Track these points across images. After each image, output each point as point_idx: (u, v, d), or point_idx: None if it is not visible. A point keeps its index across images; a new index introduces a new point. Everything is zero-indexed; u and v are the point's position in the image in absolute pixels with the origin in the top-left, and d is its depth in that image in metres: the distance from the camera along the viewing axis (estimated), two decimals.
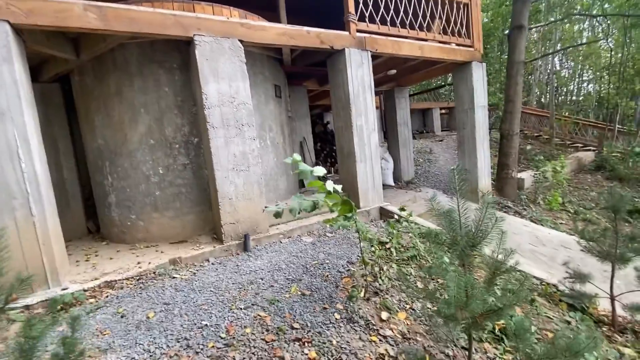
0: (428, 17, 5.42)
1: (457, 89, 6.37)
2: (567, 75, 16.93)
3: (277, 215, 2.36)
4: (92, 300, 2.66)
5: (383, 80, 7.46)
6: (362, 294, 2.65)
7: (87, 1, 2.85)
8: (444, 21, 5.77)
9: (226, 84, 3.50)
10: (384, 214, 4.74)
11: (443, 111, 15.54)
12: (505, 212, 6.34)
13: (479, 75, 6.11)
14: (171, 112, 3.71)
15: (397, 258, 3.26)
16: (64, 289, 2.70)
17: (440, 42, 5.64)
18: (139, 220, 3.86)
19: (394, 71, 6.29)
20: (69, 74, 4.06)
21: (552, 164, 7.74)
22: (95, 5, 2.88)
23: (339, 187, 2.53)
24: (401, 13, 5.05)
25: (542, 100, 16.86)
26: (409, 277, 2.99)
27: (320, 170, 2.32)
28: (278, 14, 5.67)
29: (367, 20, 4.70)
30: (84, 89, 3.87)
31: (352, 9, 4.50)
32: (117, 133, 3.75)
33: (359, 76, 4.55)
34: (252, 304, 2.51)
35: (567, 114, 13.37)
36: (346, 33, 4.48)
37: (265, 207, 3.78)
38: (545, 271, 3.75)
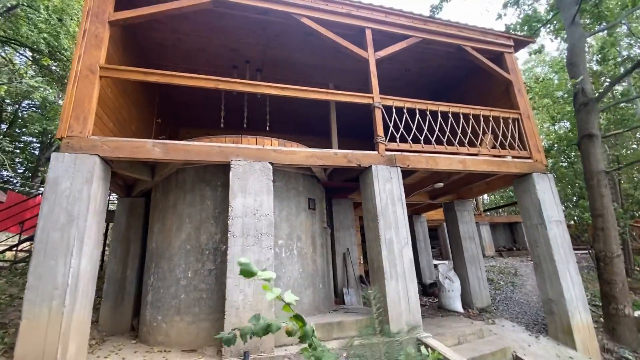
0: (469, 133, 5.45)
1: (521, 202, 5.71)
2: None
3: (227, 342, 2.20)
4: None
5: (438, 192, 7.22)
6: None
7: (154, 140, 3.88)
8: (496, 135, 5.69)
9: (252, 198, 3.95)
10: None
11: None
12: None
13: (544, 186, 5.44)
14: (208, 222, 4.25)
15: None
16: None
17: (492, 155, 5.45)
18: (162, 323, 4.06)
19: (441, 184, 6.10)
20: (151, 191, 5.21)
21: None
22: (161, 142, 3.89)
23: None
24: (436, 131, 5.24)
25: None
26: None
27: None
28: (330, 139, 6.55)
29: (397, 140, 5.00)
30: (155, 203, 4.85)
31: (380, 132, 4.90)
32: (165, 238, 4.40)
33: (387, 189, 4.57)
34: None
35: None
36: (374, 152, 4.78)
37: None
38: None
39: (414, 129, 5.11)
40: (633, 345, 4.89)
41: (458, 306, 6.67)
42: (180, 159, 3.98)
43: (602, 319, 5.59)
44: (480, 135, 5.52)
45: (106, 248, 7.69)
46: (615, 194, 9.31)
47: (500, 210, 15.99)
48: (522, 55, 25.89)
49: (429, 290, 8.10)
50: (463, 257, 7.13)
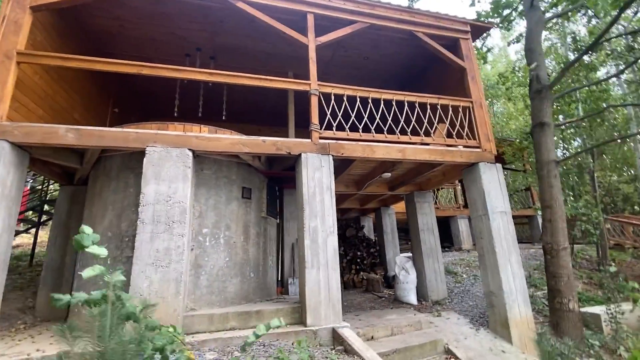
0: (425, 123, 5.31)
1: (469, 193, 5.56)
2: None
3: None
4: None
5: (396, 183, 7.09)
6: None
7: (68, 125, 3.85)
8: (453, 124, 5.53)
9: (166, 185, 3.90)
10: (337, 339, 3.84)
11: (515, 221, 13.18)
12: None
13: (490, 177, 5.29)
14: (129, 209, 4.22)
15: None
16: None
17: (444, 145, 5.31)
18: (83, 309, 4.07)
19: (388, 174, 5.97)
20: None
21: None
22: (74, 128, 3.85)
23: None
24: (377, 120, 5.11)
25: None
26: None
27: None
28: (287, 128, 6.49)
29: (334, 128, 4.88)
30: (87, 190, 4.85)
31: (315, 120, 4.79)
32: (91, 226, 4.38)
33: (316, 178, 4.49)
34: None
35: None
36: (307, 140, 4.68)
37: None
38: None
39: (352, 117, 4.99)
40: (576, 340, 4.74)
41: (412, 298, 6.58)
42: (95, 145, 3.95)
43: (538, 314, 5.45)
44: (436, 124, 5.38)
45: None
46: (592, 184, 9.04)
47: None
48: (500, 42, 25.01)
49: (391, 283, 8.01)
50: (421, 250, 7.02)
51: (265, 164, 5.39)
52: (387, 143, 5.07)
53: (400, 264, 7.07)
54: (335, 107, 4.95)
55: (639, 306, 5.49)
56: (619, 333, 4.75)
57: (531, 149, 8.30)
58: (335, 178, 6.35)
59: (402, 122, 5.23)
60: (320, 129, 4.84)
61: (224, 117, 7.03)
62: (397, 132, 5.16)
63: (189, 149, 4.15)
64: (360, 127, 5.01)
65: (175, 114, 6.73)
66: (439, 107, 5.51)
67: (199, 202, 4.42)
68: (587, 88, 6.03)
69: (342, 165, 5.68)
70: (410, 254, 7.73)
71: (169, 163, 3.99)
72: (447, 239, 12.15)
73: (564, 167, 8.27)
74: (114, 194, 4.34)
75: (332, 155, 4.70)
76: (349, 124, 4.94)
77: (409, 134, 5.22)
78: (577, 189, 8.85)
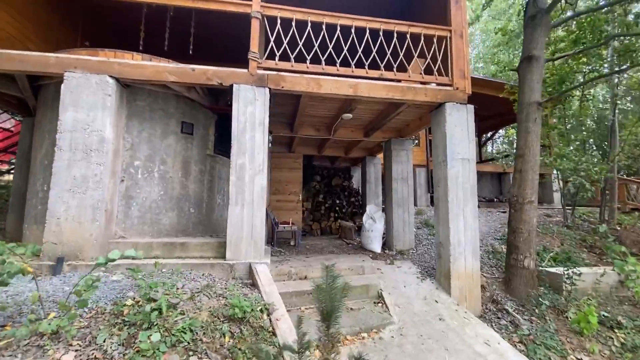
0: (374, 53, 4.67)
1: (434, 137, 5.01)
2: None
3: None
4: None
5: (370, 128, 6.58)
6: None
7: None
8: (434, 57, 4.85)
9: (84, 113, 3.80)
10: (252, 274, 3.82)
11: None
12: (488, 316, 4.15)
13: (458, 119, 4.69)
14: None
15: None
16: None
17: (417, 82, 4.71)
18: (26, 230, 4.34)
19: (349, 115, 5.48)
20: None
21: (630, 263, 4.75)
22: None
23: None
24: (330, 49, 4.54)
25: None
26: None
27: None
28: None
29: (276, 57, 4.42)
30: (35, 119, 4.90)
31: (255, 47, 4.33)
32: (34, 154, 4.51)
33: (248, 112, 4.17)
34: None
35: None
36: (243, 70, 4.29)
37: None
38: None
39: (300, 45, 4.46)
40: (522, 297, 4.44)
41: (375, 247, 6.45)
42: (17, 70, 3.87)
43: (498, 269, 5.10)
44: (401, 55, 4.72)
45: None
46: (610, 140, 7.92)
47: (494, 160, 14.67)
48: None
49: None
50: (392, 199, 6.70)
51: (210, 98, 5.11)
52: (340, 77, 4.55)
53: (370, 213, 6.85)
54: (282, 33, 4.43)
55: (615, 271, 4.99)
56: (572, 295, 4.35)
57: None
58: (294, 118, 6.04)
59: (359, 53, 4.62)
60: (262, 58, 4.41)
61: (190, 52, 6.65)
62: (353, 64, 4.60)
63: (111, 76, 3.95)
64: (309, 59, 4.50)
65: (140, 48, 6.45)
66: (408, 36, 4.79)
67: (131, 134, 4.33)
68: (590, 14, 4.84)
69: (297, 103, 5.27)
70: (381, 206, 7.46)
71: (87, 90, 3.84)
72: (502, 193, 11.81)
73: (574, 116, 7.22)
74: (49, 122, 4.34)
75: (271, 89, 4.31)
76: (294, 54, 4.45)
77: (366, 67, 4.63)
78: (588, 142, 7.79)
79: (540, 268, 5.17)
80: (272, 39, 4.43)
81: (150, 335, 2.25)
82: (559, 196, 11.14)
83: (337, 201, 8.90)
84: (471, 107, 4.77)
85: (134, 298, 2.76)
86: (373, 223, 6.58)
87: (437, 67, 4.83)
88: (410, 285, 4.71)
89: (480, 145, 16.70)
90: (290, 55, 4.45)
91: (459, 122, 4.68)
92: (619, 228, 7.80)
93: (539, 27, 4.56)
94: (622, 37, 4.93)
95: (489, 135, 16.40)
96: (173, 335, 2.38)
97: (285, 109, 5.72)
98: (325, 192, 9.53)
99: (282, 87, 4.35)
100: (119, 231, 4.16)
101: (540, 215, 9.06)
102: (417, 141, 10.71)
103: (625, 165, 13.83)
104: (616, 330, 3.82)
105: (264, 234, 4.08)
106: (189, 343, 2.36)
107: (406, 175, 6.80)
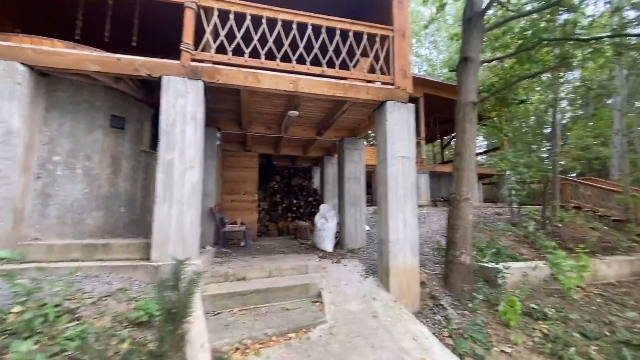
0: (316, 49, 4.62)
1: (376, 135, 5.03)
2: None
3: None
4: None
5: (321, 127, 6.54)
6: None
7: None
8: (371, 57, 4.86)
9: None
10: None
11: (486, 180, 12.75)
12: (425, 312, 4.20)
13: (398, 117, 4.73)
14: None
15: None
16: None
17: (362, 80, 4.69)
18: None
19: (294, 112, 5.41)
20: None
21: (558, 257, 5.00)
22: None
23: None
24: (270, 43, 4.44)
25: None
26: None
27: None
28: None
29: (213, 50, 4.26)
30: None
31: (188, 38, 4.14)
32: None
33: (178, 106, 3.97)
34: None
35: None
36: (174, 62, 4.08)
37: None
38: None
39: (238, 38, 4.32)
40: (460, 293, 4.53)
41: (327, 246, 6.40)
42: None
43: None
44: (344, 53, 4.69)
45: None
46: (553, 140, 8.38)
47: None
48: None
49: None
50: (344, 198, 6.69)
51: (144, 91, 4.85)
52: (280, 72, 4.45)
53: (323, 212, 6.80)
54: (219, 25, 4.28)
55: (547, 266, 5.23)
56: (504, 288, 4.51)
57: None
58: (238, 114, 5.87)
59: (301, 49, 4.55)
60: (198, 50, 4.23)
61: (134, 44, 6.31)
62: (294, 60, 4.52)
63: (23, 63, 3.62)
64: (247, 53, 4.37)
65: (76, 37, 6.04)
66: (351, 34, 4.78)
67: (50, 126, 3.99)
68: (526, 18, 5.12)
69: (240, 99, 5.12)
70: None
71: None
72: None
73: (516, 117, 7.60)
74: None
75: (205, 82, 4.14)
76: (232, 47, 4.30)
77: (307, 63, 4.57)
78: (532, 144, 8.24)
79: (481, 263, 5.33)
80: (208, 31, 4.27)
81: (25, 344, 2.02)
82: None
83: (295, 201, 8.80)
84: (412, 106, 4.84)
85: (25, 304, 2.50)
86: (325, 222, 6.53)
87: (379, 66, 4.87)
88: (352, 283, 4.68)
89: (443, 147, 17.28)
90: (228, 48, 4.30)
91: (399, 121, 4.72)
92: (560, 225, 8.27)
93: (474, 30, 4.71)
94: (556, 43, 5.20)
95: (451, 136, 16.96)
96: (58, 344, 2.16)
97: (230, 105, 5.55)
98: (286, 192, 9.40)
99: (218, 81, 4.19)
100: (32, 232, 3.81)
101: (491, 214, 9.44)
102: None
103: (573, 167, 14.82)
104: (540, 322, 3.98)
105: (196, 233, 3.89)
106: (74, 351, 2.15)
107: (358, 174, 6.82)
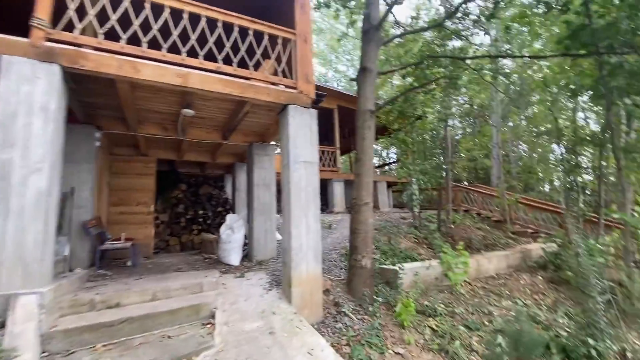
0: (211, 43, 4.23)
1: (280, 139, 4.83)
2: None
3: None
4: None
5: (227, 130, 6.10)
6: None
7: None
8: (273, 59, 4.65)
9: None
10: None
11: (394, 188, 13.80)
12: (328, 321, 4.06)
13: (301, 122, 4.61)
14: None
15: None
16: None
17: (265, 81, 4.40)
18: None
19: (189, 111, 4.91)
20: None
21: (446, 255, 5.47)
22: None
23: None
24: (155, 31, 3.90)
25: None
26: None
27: None
28: None
29: (77, 31, 3.54)
30: None
31: (43, 13, 3.36)
32: None
33: (22, 92, 3.16)
34: None
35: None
36: (21, 39, 3.26)
37: None
38: None
39: (113, 20, 3.68)
40: (362, 298, 4.54)
41: (233, 259, 5.90)
42: None
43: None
44: (243, 51, 4.38)
45: None
46: (445, 151, 9.41)
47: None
48: None
49: None
50: (253, 206, 6.32)
51: None
52: (168, 64, 3.93)
53: (229, 222, 6.30)
54: (88, 2, 3.60)
55: (441, 265, 5.64)
56: (400, 288, 4.70)
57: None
58: (123, 111, 5.10)
59: (193, 41, 4.12)
60: (55, 28, 3.46)
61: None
62: (184, 52, 4.06)
63: None
64: (125, 38, 3.76)
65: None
66: (251, 32, 4.54)
67: None
68: (423, 41, 5.71)
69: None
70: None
71: None
72: (326, 202, 12.10)
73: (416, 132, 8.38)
74: None
75: (65, 67, 3.39)
76: (105, 29, 3.65)
77: (200, 57, 4.15)
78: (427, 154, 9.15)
79: (383, 266, 5.50)
80: (71, 7, 3.54)
81: None
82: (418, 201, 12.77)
83: (201, 211, 8.05)
84: (314, 111, 4.79)
85: None
86: (231, 233, 6.04)
87: (281, 68, 4.72)
88: (252, 298, 4.31)
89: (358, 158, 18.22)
90: (99, 30, 3.64)
91: (302, 126, 4.62)
92: (452, 226, 9.25)
93: (371, 42, 4.93)
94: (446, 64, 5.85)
95: None
96: None
97: (110, 100, 4.73)
98: (193, 202, 8.56)
99: (83, 67, 3.47)
100: None
101: (397, 218, 10.11)
102: None
103: (464, 176, 17.07)
104: (431, 319, 4.20)
105: (46, 254, 3.07)
106: None
107: (269, 181, 6.54)
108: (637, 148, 5.53)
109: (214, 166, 9.33)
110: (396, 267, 4.92)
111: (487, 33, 8.40)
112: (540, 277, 6.24)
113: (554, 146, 9.10)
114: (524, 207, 9.65)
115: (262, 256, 6.20)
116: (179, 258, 6.64)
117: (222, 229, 6.17)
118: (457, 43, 7.24)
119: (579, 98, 7.46)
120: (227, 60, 4.37)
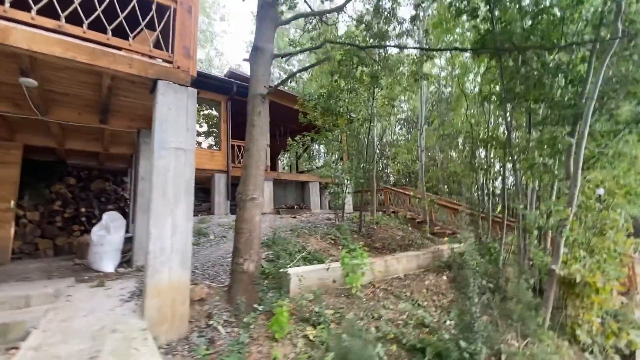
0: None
1: (153, 121, 4.08)
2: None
3: None
4: None
5: (103, 111, 5.17)
6: None
7: None
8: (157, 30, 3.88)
9: None
10: None
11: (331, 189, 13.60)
12: (192, 337, 3.41)
13: (174, 101, 3.92)
14: None
15: None
16: None
17: (140, 53, 3.62)
18: None
19: (32, 82, 3.98)
20: None
21: (346, 256, 5.13)
22: None
23: None
24: None
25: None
26: None
27: None
28: None
29: None
30: None
31: None
32: None
33: None
34: None
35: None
36: None
37: None
38: None
39: None
40: (241, 307, 3.96)
41: (106, 265, 4.98)
42: None
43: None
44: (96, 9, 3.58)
45: None
46: (370, 149, 9.29)
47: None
48: None
49: None
50: (137, 202, 5.44)
51: None
52: None
53: (106, 222, 5.34)
54: None
55: (342, 267, 5.27)
56: (288, 294, 4.23)
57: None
58: None
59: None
60: None
61: None
62: (7, 2, 3.17)
63: None
64: None
65: None
66: None
67: None
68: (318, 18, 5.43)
69: None
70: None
71: None
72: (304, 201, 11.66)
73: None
74: None
75: None
76: None
77: (33, 11, 3.29)
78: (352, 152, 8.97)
79: (281, 269, 4.99)
80: None
81: None
82: (351, 201, 12.62)
83: (83, 210, 6.88)
84: (193, 90, 4.14)
85: None
86: (105, 235, 5.10)
87: (153, 39, 4.01)
88: (96, 312, 3.51)
89: (297, 157, 17.80)
90: None
91: (175, 106, 3.94)
92: (375, 227, 9.13)
93: (266, 19, 4.45)
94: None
95: (304, 147, 17.64)
96: None
97: None
98: (83, 198, 7.32)
99: None
100: None
101: (323, 219, 9.76)
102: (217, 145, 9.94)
103: (403, 181, 17.48)
104: (311, 328, 3.75)
105: None
106: None
107: None
108: (528, 148, 5.73)
109: (114, 158, 8.13)
110: (287, 270, 4.43)
111: (409, 35, 8.44)
112: (445, 278, 6.22)
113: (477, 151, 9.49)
114: (441, 208, 9.89)
115: (144, 261, 5.33)
116: (42, 264, 5.48)
117: (95, 229, 5.19)
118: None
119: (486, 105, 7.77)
120: (78, 21, 3.55)
